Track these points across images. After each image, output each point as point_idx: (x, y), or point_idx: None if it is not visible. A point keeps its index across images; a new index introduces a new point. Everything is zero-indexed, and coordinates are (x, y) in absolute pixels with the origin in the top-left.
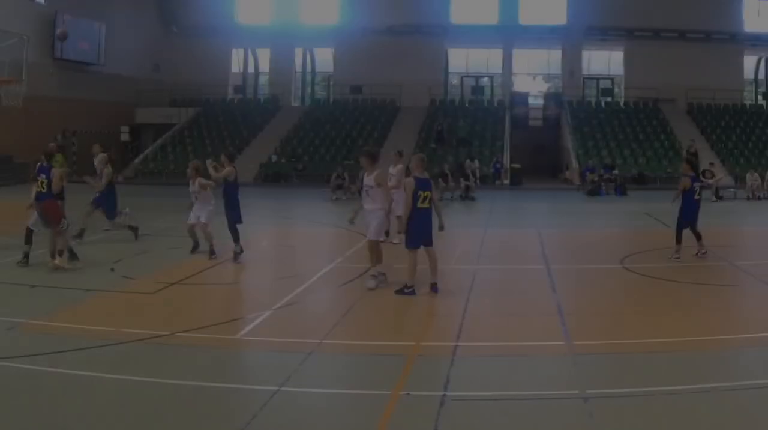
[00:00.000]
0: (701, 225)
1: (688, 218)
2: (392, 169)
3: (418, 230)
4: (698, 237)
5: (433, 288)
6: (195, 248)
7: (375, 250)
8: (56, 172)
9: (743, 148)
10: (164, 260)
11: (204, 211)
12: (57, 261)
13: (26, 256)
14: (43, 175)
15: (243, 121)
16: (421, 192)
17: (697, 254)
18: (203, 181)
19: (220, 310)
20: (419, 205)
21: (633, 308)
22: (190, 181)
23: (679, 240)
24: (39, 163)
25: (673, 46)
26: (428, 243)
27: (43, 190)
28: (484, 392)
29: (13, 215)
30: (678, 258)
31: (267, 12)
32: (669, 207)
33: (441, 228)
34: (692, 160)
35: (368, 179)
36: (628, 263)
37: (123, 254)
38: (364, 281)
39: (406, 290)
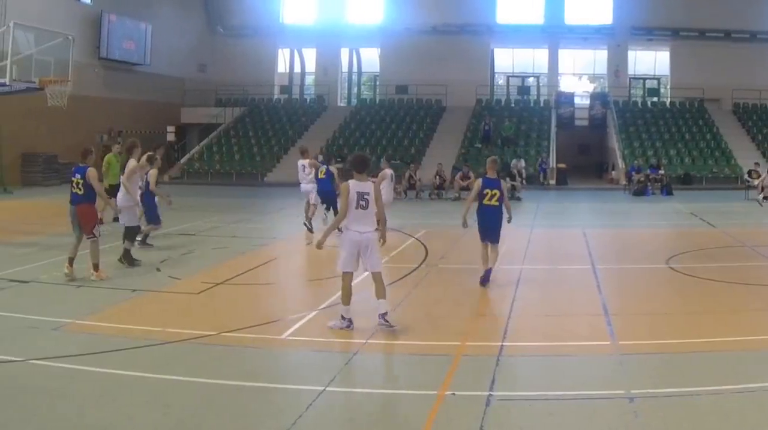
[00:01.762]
0: (751, 225)
1: None
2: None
3: (483, 225)
4: None
5: (486, 276)
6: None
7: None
8: (93, 171)
9: None
10: (209, 260)
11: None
12: (94, 276)
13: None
14: (78, 176)
15: (289, 121)
16: (488, 190)
17: None
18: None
19: (265, 310)
20: (485, 202)
21: (679, 308)
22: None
23: None
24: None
25: (718, 45)
26: (493, 240)
27: (79, 192)
28: (529, 392)
29: (58, 215)
30: None
31: (313, 12)
32: (716, 207)
33: (508, 220)
34: None
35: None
36: (674, 262)
37: (169, 254)
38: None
39: (484, 279)
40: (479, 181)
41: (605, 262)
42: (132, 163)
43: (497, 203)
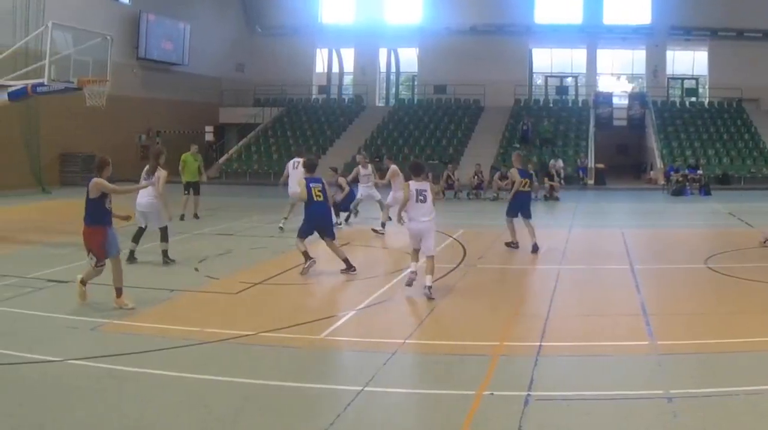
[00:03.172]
0: None
1: None
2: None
3: (519, 207)
4: None
5: (534, 248)
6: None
7: None
8: (96, 182)
9: None
10: (247, 259)
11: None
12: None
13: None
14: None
15: (327, 121)
16: (523, 179)
17: None
18: None
19: (303, 310)
20: (521, 188)
21: (717, 308)
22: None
23: None
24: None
25: (757, 46)
26: (526, 216)
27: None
28: (567, 392)
29: None
30: None
31: (351, 12)
32: (754, 207)
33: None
34: None
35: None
36: (712, 262)
37: (207, 254)
38: None
39: (512, 246)
40: (515, 171)
41: (643, 262)
42: (163, 172)
43: (529, 189)
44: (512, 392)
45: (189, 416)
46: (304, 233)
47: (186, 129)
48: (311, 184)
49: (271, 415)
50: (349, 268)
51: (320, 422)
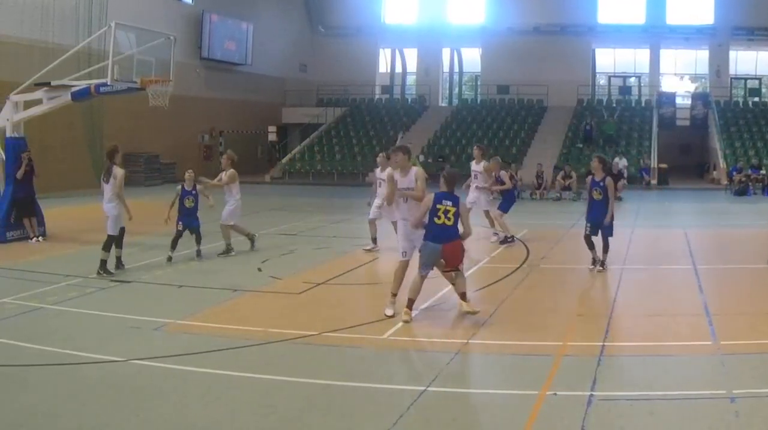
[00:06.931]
0: None
1: None
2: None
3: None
4: None
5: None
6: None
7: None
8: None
9: None
10: (310, 260)
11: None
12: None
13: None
14: (449, 202)
15: (390, 121)
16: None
17: None
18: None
19: (366, 310)
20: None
21: None
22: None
23: None
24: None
25: None
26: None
27: (448, 223)
28: (630, 392)
29: (160, 215)
30: None
31: (414, 12)
32: None
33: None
34: None
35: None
36: None
37: (270, 254)
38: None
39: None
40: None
41: (706, 262)
42: (120, 171)
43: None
44: (575, 392)
45: (253, 416)
46: None
47: (249, 129)
48: None
49: (334, 415)
50: None
51: (383, 422)
